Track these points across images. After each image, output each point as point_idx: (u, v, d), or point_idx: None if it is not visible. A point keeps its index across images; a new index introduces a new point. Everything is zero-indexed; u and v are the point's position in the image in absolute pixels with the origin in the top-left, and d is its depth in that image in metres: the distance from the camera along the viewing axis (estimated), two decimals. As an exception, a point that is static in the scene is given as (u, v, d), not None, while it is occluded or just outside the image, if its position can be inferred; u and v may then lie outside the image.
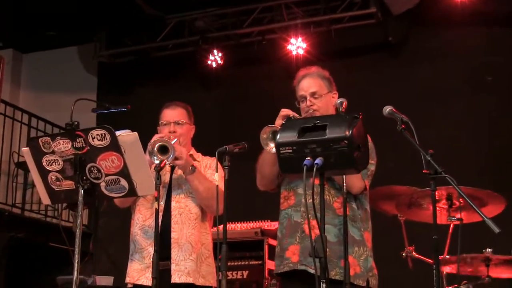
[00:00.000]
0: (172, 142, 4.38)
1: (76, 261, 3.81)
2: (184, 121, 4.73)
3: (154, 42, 10.08)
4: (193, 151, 4.82)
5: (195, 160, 4.71)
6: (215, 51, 9.76)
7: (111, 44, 10.30)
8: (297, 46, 9.23)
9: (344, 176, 3.80)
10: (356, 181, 4.00)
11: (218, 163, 4.22)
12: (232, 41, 9.76)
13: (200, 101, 8.72)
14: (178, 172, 4.62)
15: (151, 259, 4.17)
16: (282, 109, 4.03)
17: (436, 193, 4.90)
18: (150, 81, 10.41)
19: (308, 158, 3.09)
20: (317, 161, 3.05)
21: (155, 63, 10.29)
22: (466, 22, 8.72)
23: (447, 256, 5.11)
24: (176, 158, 4.38)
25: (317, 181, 3.26)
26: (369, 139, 4.11)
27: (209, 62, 9.82)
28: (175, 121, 4.70)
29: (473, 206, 3.21)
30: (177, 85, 10.02)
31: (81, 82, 10.96)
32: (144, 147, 4.11)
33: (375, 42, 9.34)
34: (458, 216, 4.99)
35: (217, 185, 4.11)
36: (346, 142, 3.03)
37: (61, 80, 11.04)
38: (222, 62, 9.80)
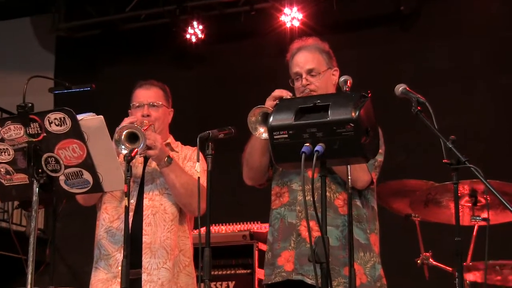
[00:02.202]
0: (143, 129, 4.34)
1: (30, 271, 3.77)
2: (161, 103, 4.69)
3: (122, 13, 10.07)
4: (171, 139, 4.79)
5: (173, 150, 4.69)
6: (194, 23, 9.74)
7: (71, 15, 10.29)
8: (292, 17, 9.23)
9: (348, 167, 3.77)
10: (361, 174, 3.98)
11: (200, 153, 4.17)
12: (215, 11, 9.75)
13: (177, 81, 8.62)
14: (152, 164, 4.59)
15: (119, 267, 4.13)
16: (276, 90, 4.01)
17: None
18: (118, 58, 10.40)
19: (307, 144, 3.05)
20: (317, 147, 3.01)
21: (124, 37, 10.30)
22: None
23: (471, 263, 5.09)
24: (148, 148, 4.34)
25: (315, 174, 3.23)
26: (376, 124, 4.10)
27: (188, 36, 9.81)
28: (149, 102, 4.66)
29: (503, 201, 3.18)
30: (150, 63, 10.02)
31: (35, 60, 10.95)
32: (112, 134, 4.08)
33: (384, 12, 9.35)
34: (484, 215, 4.97)
35: (198, 179, 4.04)
36: (352, 125, 3.00)
37: (12, 57, 11.02)
38: (203, 36, 9.78)
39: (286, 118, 3.13)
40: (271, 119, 3.19)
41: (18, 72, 10.34)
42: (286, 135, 3.11)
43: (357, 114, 3.01)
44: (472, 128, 8.22)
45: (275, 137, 3.14)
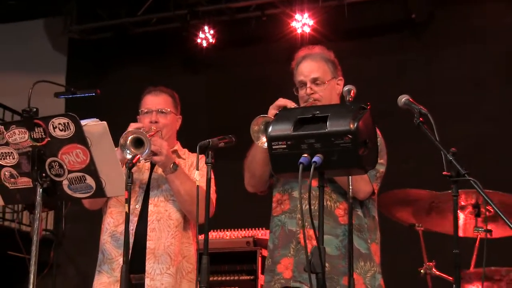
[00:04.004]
0: (150, 134, 4.36)
1: (32, 272, 3.77)
2: (169, 110, 4.70)
3: (134, 16, 10.09)
4: (178, 146, 4.81)
5: (179, 157, 4.70)
6: (205, 28, 9.75)
7: (84, 18, 10.31)
8: (302, 23, 9.23)
9: (349, 178, 3.79)
10: (362, 184, 4.00)
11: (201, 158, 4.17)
12: (226, 17, 9.77)
13: (187, 86, 8.71)
14: (159, 170, 4.60)
15: (122, 272, 4.15)
16: (280, 98, 4.02)
17: (463, 198, 4.92)
18: (129, 62, 10.42)
19: (305, 155, 3.06)
20: (315, 158, 3.01)
21: (135, 41, 10.30)
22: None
23: (473, 271, 5.09)
24: (154, 154, 4.36)
25: (315, 183, 3.24)
26: (379, 134, 4.10)
27: (198, 40, 9.82)
28: (158, 109, 4.67)
29: (500, 213, 3.19)
30: (161, 67, 10.03)
31: (48, 61, 10.98)
32: (118, 139, 4.12)
33: (395, 20, 9.34)
34: (487, 227, 4.96)
35: (197, 187, 3.98)
36: (350, 136, 3.01)
37: (24, 58, 11.04)
38: (213, 41, 9.80)
39: (285, 129, 3.14)
40: (270, 129, 3.21)
41: (31, 74, 10.36)
42: (285, 146, 3.11)
43: (355, 125, 3.02)
44: (484, 137, 8.19)
45: (273, 147, 3.15)
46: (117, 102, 9.03)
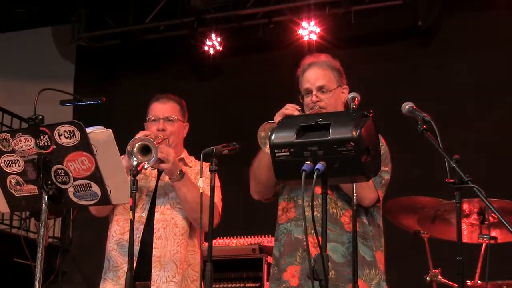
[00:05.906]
0: (157, 142, 4.37)
1: (38, 279, 3.77)
2: (176, 118, 4.71)
3: (141, 24, 10.13)
4: (185, 154, 4.82)
5: (186, 165, 4.71)
6: (213, 35, 9.78)
7: (92, 25, 10.35)
8: (309, 30, 9.25)
9: (354, 185, 3.79)
10: (368, 191, 4.00)
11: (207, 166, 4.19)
12: (233, 24, 9.78)
13: (194, 93, 8.73)
14: (165, 178, 4.61)
15: (128, 279, 4.16)
16: (287, 106, 4.03)
17: (467, 206, 4.92)
18: (137, 69, 10.44)
19: (308, 162, 3.07)
20: (318, 166, 3.03)
21: (142, 48, 10.33)
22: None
23: (479, 282, 5.09)
24: (161, 161, 4.37)
25: (319, 190, 3.26)
26: (384, 142, 4.11)
27: (206, 48, 9.85)
28: (165, 117, 4.68)
29: (503, 220, 3.20)
30: (168, 74, 10.05)
31: (56, 69, 11.02)
32: (125, 146, 4.14)
33: (402, 27, 9.34)
34: (492, 234, 4.97)
35: (201, 194, 4.03)
36: (353, 144, 3.02)
37: (32, 66, 11.08)
38: (221, 48, 9.82)
39: (288, 136, 3.15)
40: (273, 136, 3.22)
41: (39, 81, 10.41)
42: (288, 153, 3.12)
43: (357, 133, 3.02)
44: (491, 145, 8.17)
45: (276, 154, 3.15)
46: (125, 109, 9.05)
